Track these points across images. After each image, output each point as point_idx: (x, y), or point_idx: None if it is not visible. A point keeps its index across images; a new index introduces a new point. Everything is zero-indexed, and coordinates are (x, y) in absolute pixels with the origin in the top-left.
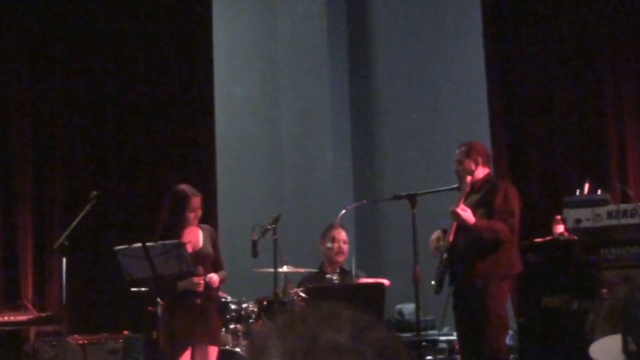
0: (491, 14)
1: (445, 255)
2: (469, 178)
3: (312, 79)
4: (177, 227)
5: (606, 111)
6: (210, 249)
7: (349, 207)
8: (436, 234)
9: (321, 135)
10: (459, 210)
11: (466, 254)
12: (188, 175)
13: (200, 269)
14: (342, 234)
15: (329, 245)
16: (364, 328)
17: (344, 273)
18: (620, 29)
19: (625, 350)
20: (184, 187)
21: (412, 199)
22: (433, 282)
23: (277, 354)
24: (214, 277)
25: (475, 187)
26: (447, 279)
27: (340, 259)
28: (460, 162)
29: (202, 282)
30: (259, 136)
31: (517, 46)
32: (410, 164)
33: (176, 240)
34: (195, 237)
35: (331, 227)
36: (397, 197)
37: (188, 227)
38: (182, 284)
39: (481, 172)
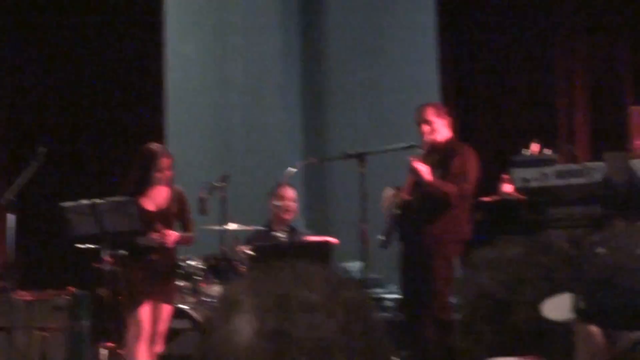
0: None
1: (397, 212)
2: (431, 138)
3: (262, 38)
4: (143, 185)
5: (555, 72)
6: (174, 210)
7: (298, 166)
8: (390, 191)
9: (271, 94)
10: (417, 165)
11: (418, 213)
12: (137, 133)
13: (159, 227)
14: (290, 192)
15: (277, 203)
16: (337, 287)
17: (291, 231)
18: None
19: (575, 308)
20: (153, 146)
21: (361, 157)
22: (380, 237)
23: (248, 310)
24: (169, 235)
25: (437, 148)
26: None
27: (288, 217)
28: (431, 122)
29: (159, 238)
30: (208, 94)
31: (468, 5)
32: (360, 123)
33: (124, 198)
34: (162, 196)
35: (280, 185)
36: (347, 156)
37: (156, 186)
38: (140, 240)
39: (446, 133)
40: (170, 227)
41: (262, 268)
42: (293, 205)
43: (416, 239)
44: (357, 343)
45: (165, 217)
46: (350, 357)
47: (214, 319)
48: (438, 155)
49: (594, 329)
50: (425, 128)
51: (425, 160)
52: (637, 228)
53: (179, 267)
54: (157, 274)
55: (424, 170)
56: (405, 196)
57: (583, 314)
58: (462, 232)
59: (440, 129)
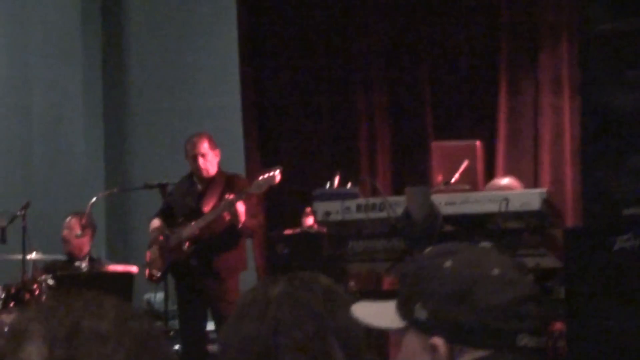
0: (246, 5)
1: (186, 246)
2: (212, 172)
3: (64, 66)
4: None
5: (357, 106)
6: None
7: (100, 195)
8: (157, 222)
9: (73, 123)
10: (239, 207)
11: (212, 246)
12: None
13: None
14: (71, 223)
15: (63, 234)
16: (127, 317)
17: (92, 261)
18: (373, 20)
19: (409, 317)
20: None
21: (163, 188)
22: (159, 273)
23: (37, 338)
24: None
25: (214, 180)
26: None
27: (65, 249)
28: (205, 155)
29: None
30: (8, 123)
31: (270, 41)
32: (163, 153)
33: None
34: None
35: (72, 215)
36: (148, 186)
37: None
38: None
39: (216, 165)
40: None
41: (53, 297)
42: (71, 237)
43: (207, 272)
44: None
45: None
46: None
47: (2, 348)
48: (219, 188)
49: (438, 340)
50: (201, 161)
51: (208, 194)
52: (484, 249)
53: None
54: None
55: (242, 212)
56: (197, 231)
57: (422, 325)
58: (244, 263)
59: (214, 161)
